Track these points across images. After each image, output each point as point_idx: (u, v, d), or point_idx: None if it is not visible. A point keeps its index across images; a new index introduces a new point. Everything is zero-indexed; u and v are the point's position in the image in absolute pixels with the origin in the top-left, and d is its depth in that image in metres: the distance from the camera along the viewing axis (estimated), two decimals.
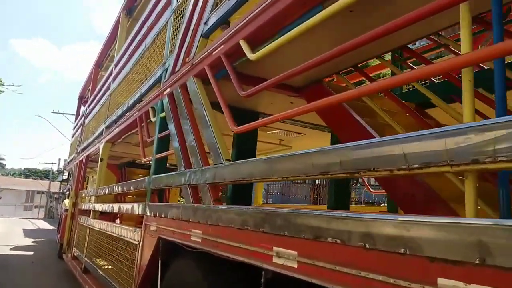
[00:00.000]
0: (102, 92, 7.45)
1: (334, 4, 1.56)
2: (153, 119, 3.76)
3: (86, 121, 9.10)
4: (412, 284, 1.00)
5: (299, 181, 15.15)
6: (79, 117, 11.15)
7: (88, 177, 10.61)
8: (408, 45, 2.60)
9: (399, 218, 1.06)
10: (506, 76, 1.32)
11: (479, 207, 1.87)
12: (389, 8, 1.96)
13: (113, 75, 6.54)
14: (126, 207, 4.16)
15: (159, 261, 2.90)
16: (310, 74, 3.01)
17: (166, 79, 3.49)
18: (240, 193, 3.62)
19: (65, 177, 12.74)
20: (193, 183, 2.50)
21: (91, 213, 5.88)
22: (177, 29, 3.47)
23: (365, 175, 1.23)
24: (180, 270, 2.64)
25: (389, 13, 1.81)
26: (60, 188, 30.86)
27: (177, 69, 3.23)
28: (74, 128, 12.13)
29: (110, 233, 4.48)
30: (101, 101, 7.36)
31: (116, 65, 6.46)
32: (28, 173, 64.87)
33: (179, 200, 11.02)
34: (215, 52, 2.52)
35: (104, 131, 6.47)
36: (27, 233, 17.84)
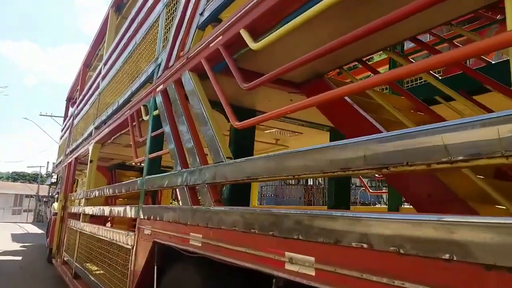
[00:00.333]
0: (91, 92, 7.24)
1: None
2: (145, 118, 3.59)
3: (75, 122, 8.86)
4: None
5: (292, 182, 15.01)
6: (68, 118, 10.89)
7: (78, 180, 10.37)
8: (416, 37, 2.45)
9: (443, 219, 0.91)
10: None
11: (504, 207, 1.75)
12: None
13: (102, 74, 6.35)
14: (118, 210, 3.97)
15: (155, 267, 2.73)
16: (311, 69, 2.87)
17: (159, 75, 3.33)
18: (238, 194, 3.46)
19: (53, 180, 12.47)
20: (191, 184, 2.34)
21: (81, 216, 5.68)
22: (170, 22, 3.31)
23: (397, 171, 1.09)
24: (178, 276, 2.48)
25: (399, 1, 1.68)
26: (49, 192, 30.45)
27: (170, 64, 3.06)
28: (62, 130, 11.86)
29: (101, 237, 4.30)
30: (90, 101, 7.15)
31: (105, 64, 6.26)
32: (16, 177, 64.00)
33: (171, 203, 10.84)
34: (212, 44, 2.37)
35: (93, 131, 6.27)
36: (16, 237, 17.49)
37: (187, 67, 2.68)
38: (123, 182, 4.05)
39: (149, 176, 3.18)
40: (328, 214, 1.26)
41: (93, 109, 6.68)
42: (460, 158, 0.92)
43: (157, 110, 3.19)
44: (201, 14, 2.60)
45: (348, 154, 1.22)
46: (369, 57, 3.22)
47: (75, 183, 9.53)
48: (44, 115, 29.78)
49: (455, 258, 0.88)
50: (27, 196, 41.39)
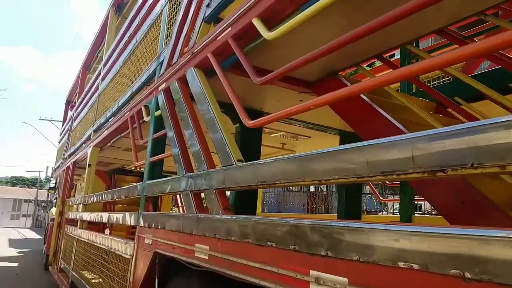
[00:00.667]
0: (90, 94, 7.04)
1: None
2: (146, 119, 3.38)
3: (74, 125, 8.66)
4: None
5: (295, 189, 14.73)
6: (66, 121, 10.68)
7: (76, 185, 10.16)
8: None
9: None
10: None
11: None
12: None
13: (101, 75, 6.15)
14: (117, 216, 3.76)
15: (156, 279, 2.52)
16: (324, 66, 2.67)
17: (161, 73, 3.12)
18: (244, 201, 3.24)
19: (52, 185, 12.23)
20: (197, 189, 2.13)
21: (79, 222, 5.46)
22: (173, 18, 3.11)
23: (456, 174, 0.88)
24: None
25: None
26: (48, 196, 30.20)
27: (174, 61, 2.86)
28: (61, 134, 11.65)
29: (99, 245, 4.08)
30: (89, 104, 6.95)
31: (104, 65, 6.07)
32: (15, 181, 63.75)
33: (171, 209, 10.62)
34: (220, 36, 2.16)
35: (92, 134, 6.06)
36: (13, 243, 17.28)
37: (192, 63, 2.48)
38: (123, 187, 3.84)
39: (150, 181, 2.97)
40: (366, 226, 1.05)
41: (92, 112, 6.48)
42: None
43: (159, 111, 2.98)
44: (208, 5, 2.40)
45: (392, 154, 1.02)
46: (391, 53, 3.01)
47: (73, 188, 9.32)
48: (43, 119, 29.59)
49: None
50: (25, 201, 41.14)
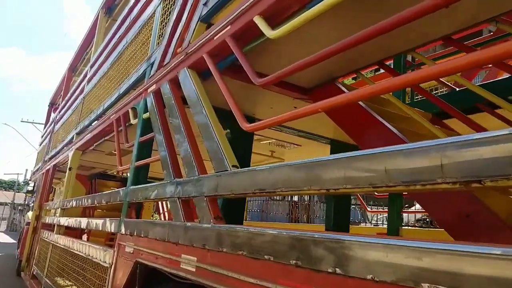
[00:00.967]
0: (74, 96, 6.84)
1: None
2: (133, 122, 3.24)
3: (56, 127, 8.41)
4: None
5: (278, 198, 14.59)
6: (49, 123, 10.40)
7: (55, 189, 9.86)
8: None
9: None
10: None
11: None
12: None
13: (87, 77, 5.98)
14: (96, 222, 3.58)
15: None
16: (322, 72, 2.58)
17: (151, 74, 2.99)
18: (232, 209, 3.09)
19: (30, 188, 11.88)
20: (186, 196, 2.00)
21: (56, 227, 5.23)
22: (166, 17, 2.99)
23: (491, 185, 0.78)
24: None
25: None
26: (25, 200, 29.47)
27: (166, 62, 2.74)
28: (42, 136, 11.33)
29: (76, 252, 3.89)
30: (73, 106, 6.75)
31: (92, 66, 5.90)
32: None
33: (152, 216, 10.37)
34: (218, 36, 2.05)
35: (74, 137, 5.86)
36: None
37: (186, 63, 2.36)
38: (104, 192, 3.67)
39: (135, 186, 2.82)
40: (381, 241, 0.94)
41: (76, 114, 6.29)
42: None
43: (147, 113, 2.85)
44: (205, 4, 2.30)
45: (414, 163, 0.91)
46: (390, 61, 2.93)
47: (52, 192, 9.03)
48: (25, 122, 28.96)
49: None
50: (1, 204, 40.02)
